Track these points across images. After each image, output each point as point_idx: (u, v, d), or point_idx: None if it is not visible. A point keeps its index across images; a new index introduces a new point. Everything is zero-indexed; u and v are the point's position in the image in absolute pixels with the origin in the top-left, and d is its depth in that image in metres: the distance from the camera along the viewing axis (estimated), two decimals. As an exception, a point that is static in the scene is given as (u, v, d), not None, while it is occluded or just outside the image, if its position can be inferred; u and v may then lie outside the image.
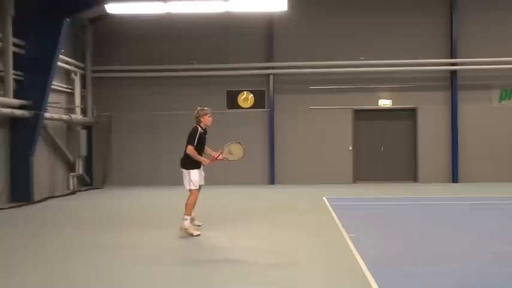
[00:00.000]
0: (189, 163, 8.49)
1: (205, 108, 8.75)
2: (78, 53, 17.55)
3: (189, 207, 8.53)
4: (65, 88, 16.69)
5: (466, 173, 17.79)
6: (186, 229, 8.46)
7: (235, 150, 8.98)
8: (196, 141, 8.40)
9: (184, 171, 8.53)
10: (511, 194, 14.50)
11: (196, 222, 9.04)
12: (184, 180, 8.56)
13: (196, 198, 8.62)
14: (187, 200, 8.56)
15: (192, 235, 8.41)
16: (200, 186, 8.77)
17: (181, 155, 8.65)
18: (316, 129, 18.16)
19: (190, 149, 8.38)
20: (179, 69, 18.13)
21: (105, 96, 18.31)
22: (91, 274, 6.35)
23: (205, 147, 8.79)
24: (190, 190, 8.55)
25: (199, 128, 8.57)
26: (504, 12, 17.84)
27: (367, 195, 14.93)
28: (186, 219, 8.47)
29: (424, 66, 18.01)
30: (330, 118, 18.13)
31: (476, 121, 17.88)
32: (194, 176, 8.47)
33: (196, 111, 8.68)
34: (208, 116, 8.66)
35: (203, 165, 8.68)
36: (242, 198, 14.69)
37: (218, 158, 8.74)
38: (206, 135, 8.74)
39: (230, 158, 8.91)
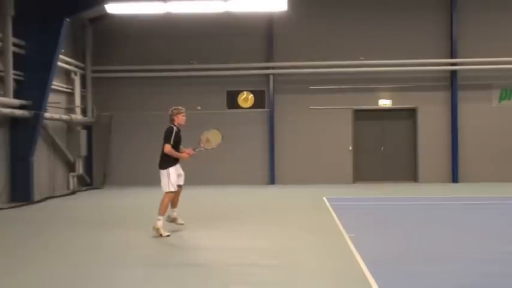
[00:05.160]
0: (166, 162, 8.54)
1: (179, 107, 8.83)
2: (78, 53, 17.55)
3: (164, 208, 8.54)
4: (65, 88, 16.69)
5: (466, 173, 17.79)
6: (157, 229, 8.43)
7: (212, 137, 8.98)
8: (172, 140, 8.49)
9: (163, 171, 8.55)
10: (511, 194, 14.50)
11: (179, 221, 9.08)
12: (162, 181, 8.54)
13: (171, 199, 8.66)
14: (162, 200, 8.54)
15: (161, 235, 8.36)
16: (181, 186, 8.85)
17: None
18: (316, 129, 18.15)
19: (168, 148, 8.45)
20: (179, 69, 18.13)
21: (105, 96, 18.30)
22: (90, 275, 6.35)
23: (181, 146, 8.80)
24: (167, 192, 8.54)
25: (175, 127, 8.64)
26: (504, 12, 17.84)
27: (367, 195, 14.92)
28: (159, 220, 8.46)
29: (424, 66, 18.01)
30: (330, 118, 18.13)
31: (476, 121, 17.88)
32: (173, 176, 8.52)
33: (170, 110, 8.80)
34: (182, 115, 8.72)
35: (182, 160, 8.71)
36: (242, 198, 14.69)
37: (193, 152, 8.74)
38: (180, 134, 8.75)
39: (208, 146, 8.90)
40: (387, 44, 17.95)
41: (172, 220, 9.02)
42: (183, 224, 9.09)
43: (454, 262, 6.68)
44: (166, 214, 8.78)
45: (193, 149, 8.78)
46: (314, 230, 9.13)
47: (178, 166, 8.71)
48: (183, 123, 8.77)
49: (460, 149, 17.83)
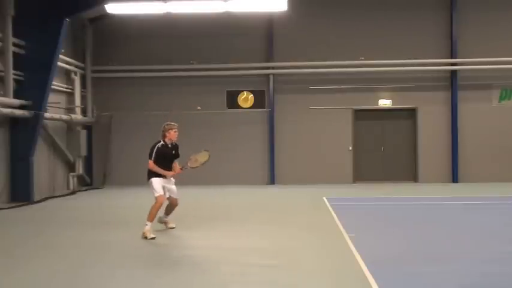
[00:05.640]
0: (150, 174, 8.75)
1: (172, 123, 8.92)
2: (78, 53, 17.55)
3: (152, 214, 8.58)
4: (65, 88, 16.69)
5: (466, 173, 17.78)
6: (143, 233, 8.44)
7: (200, 157, 9.12)
8: (154, 156, 8.61)
9: (148, 182, 8.76)
10: (511, 194, 14.50)
11: (170, 225, 9.26)
12: (151, 190, 8.77)
13: (160, 206, 8.70)
14: (153, 205, 8.63)
15: (146, 238, 8.34)
16: (175, 199, 9.00)
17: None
18: (316, 129, 18.15)
19: (150, 164, 8.64)
20: (179, 69, 18.12)
21: (105, 96, 18.30)
22: (90, 275, 6.35)
23: (175, 160, 8.93)
24: (156, 197, 8.67)
25: (161, 142, 8.73)
26: (504, 12, 17.84)
27: (367, 195, 14.92)
28: (147, 225, 8.48)
29: (424, 66, 18.01)
30: (330, 118, 18.13)
31: (476, 121, 17.88)
32: (155, 184, 8.66)
33: (163, 126, 8.86)
34: (174, 131, 8.79)
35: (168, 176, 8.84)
36: (242, 198, 14.69)
37: (180, 170, 8.89)
38: (173, 150, 8.85)
39: (193, 165, 9.05)
40: (387, 44, 17.94)
41: (163, 222, 9.23)
42: (174, 227, 9.23)
43: (454, 262, 6.68)
44: (158, 216, 8.94)
45: (181, 168, 8.92)
46: (314, 230, 9.13)
47: (166, 179, 8.78)
48: (174, 139, 8.84)
49: (460, 149, 17.83)
